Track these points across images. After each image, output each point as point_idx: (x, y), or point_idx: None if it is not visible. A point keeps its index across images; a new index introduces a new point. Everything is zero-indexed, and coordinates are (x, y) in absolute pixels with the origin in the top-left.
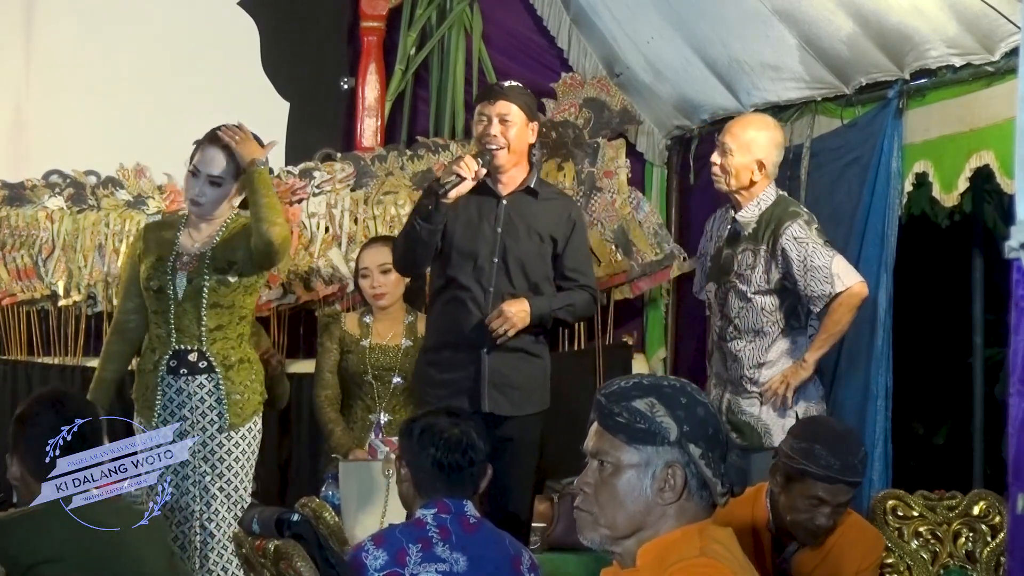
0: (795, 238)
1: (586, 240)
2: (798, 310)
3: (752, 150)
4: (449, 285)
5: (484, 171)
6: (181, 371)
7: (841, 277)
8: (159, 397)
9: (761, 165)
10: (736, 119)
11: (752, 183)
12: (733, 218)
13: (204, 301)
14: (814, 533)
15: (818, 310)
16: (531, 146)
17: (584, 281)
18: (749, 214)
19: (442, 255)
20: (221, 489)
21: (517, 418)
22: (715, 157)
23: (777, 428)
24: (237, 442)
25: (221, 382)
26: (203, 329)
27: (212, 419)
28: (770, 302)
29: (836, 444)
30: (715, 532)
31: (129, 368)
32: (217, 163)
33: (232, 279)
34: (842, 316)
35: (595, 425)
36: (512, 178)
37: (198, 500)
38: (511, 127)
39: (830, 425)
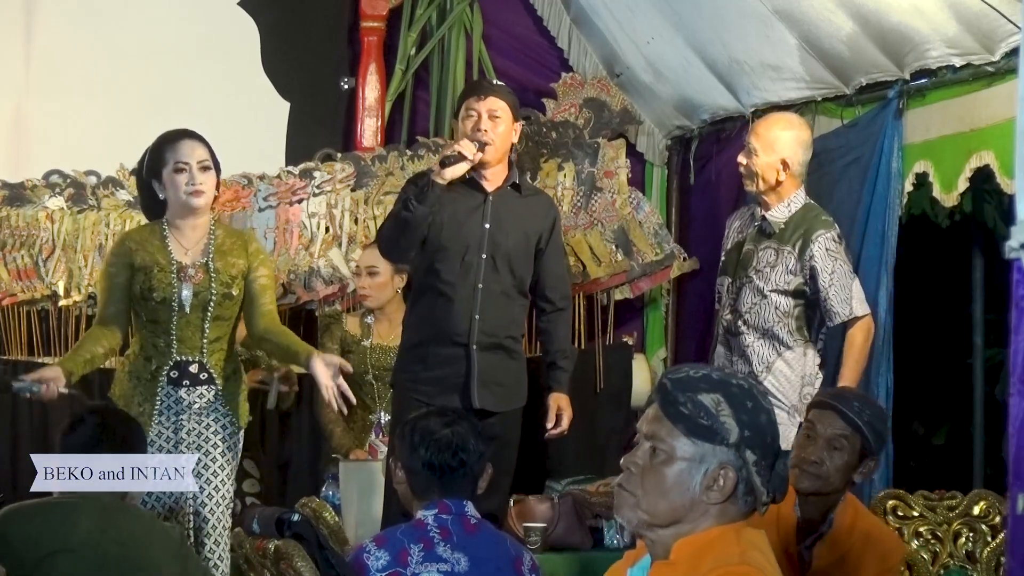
0: (827, 250)
1: (562, 239)
2: (811, 320)
3: (776, 149)
4: (435, 281)
5: (480, 155)
6: (183, 382)
7: (859, 302)
8: (158, 405)
9: (785, 164)
10: (762, 119)
11: (778, 182)
12: (762, 216)
13: (209, 314)
14: (807, 474)
15: (833, 325)
16: (512, 146)
17: (562, 304)
18: (779, 214)
19: (427, 250)
20: (215, 474)
21: (501, 415)
22: (741, 158)
23: (783, 419)
24: (232, 444)
25: (220, 392)
26: (204, 341)
27: (208, 424)
28: (784, 303)
29: (841, 387)
30: (752, 535)
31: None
32: (200, 150)
33: (235, 292)
34: (862, 349)
35: (655, 408)
36: (496, 175)
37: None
38: (500, 124)
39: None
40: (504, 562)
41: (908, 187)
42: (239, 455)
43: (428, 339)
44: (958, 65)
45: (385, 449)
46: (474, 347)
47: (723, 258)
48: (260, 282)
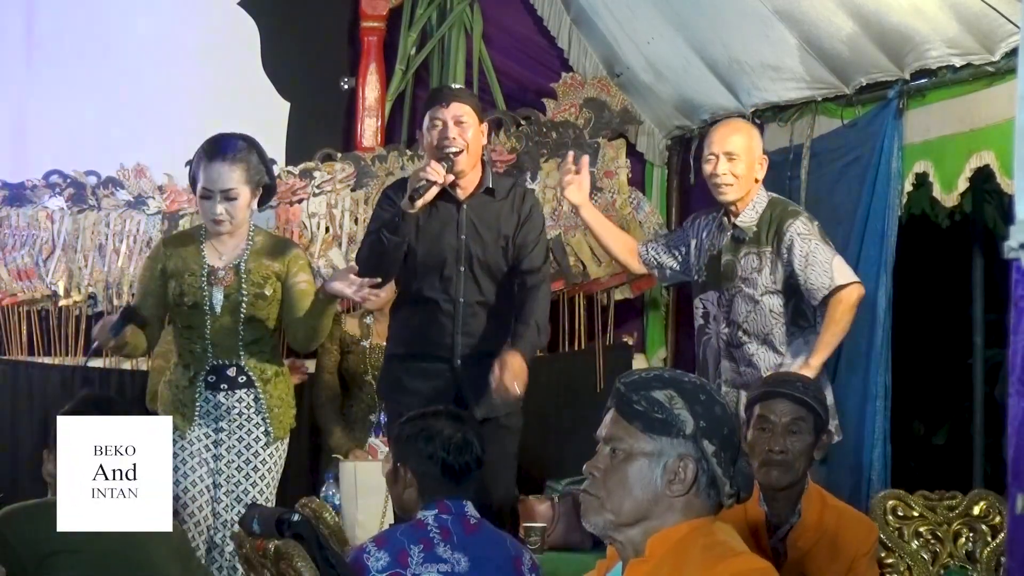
0: (799, 234)
1: (539, 219)
2: (805, 310)
3: (753, 150)
4: (416, 295)
5: (452, 177)
6: (221, 386)
7: (841, 272)
8: (197, 411)
9: (762, 162)
10: (720, 130)
11: (755, 182)
12: (733, 224)
13: (242, 315)
14: (776, 465)
15: (817, 303)
16: (483, 147)
17: (532, 281)
18: (748, 218)
19: (406, 266)
20: (254, 499)
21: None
22: (721, 168)
23: None
24: (271, 453)
25: (260, 395)
26: (241, 343)
27: (250, 429)
28: (777, 303)
29: (776, 374)
30: (724, 528)
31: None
32: (226, 177)
33: (268, 292)
34: (843, 316)
35: (611, 412)
36: (470, 181)
37: (230, 510)
38: (467, 129)
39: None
40: (504, 561)
41: (908, 187)
42: (281, 466)
43: (413, 353)
44: (958, 65)
45: (385, 449)
46: (458, 362)
47: (701, 275)
48: (299, 287)
